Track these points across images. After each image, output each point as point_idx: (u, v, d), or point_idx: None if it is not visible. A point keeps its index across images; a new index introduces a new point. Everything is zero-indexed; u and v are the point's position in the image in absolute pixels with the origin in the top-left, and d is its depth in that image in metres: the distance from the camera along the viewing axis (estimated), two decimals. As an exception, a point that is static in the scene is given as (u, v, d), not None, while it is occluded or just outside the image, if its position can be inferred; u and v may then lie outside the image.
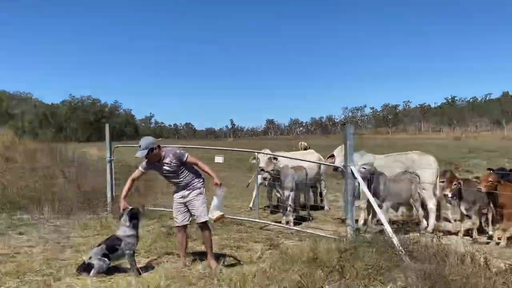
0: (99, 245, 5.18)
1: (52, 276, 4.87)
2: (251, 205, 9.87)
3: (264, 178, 7.78)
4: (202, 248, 5.78)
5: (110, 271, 5.07)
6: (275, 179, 7.88)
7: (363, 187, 6.88)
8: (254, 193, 9.84)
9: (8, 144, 25.41)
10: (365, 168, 7.31)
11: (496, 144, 42.93)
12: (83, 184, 9.93)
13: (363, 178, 7.03)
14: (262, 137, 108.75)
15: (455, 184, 7.33)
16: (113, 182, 8.82)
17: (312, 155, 9.85)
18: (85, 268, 4.96)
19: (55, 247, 6.20)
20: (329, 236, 7.04)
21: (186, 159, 5.33)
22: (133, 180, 5.43)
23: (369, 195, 6.82)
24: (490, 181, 6.85)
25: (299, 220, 8.42)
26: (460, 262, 5.19)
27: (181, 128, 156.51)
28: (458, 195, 7.36)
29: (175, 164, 5.29)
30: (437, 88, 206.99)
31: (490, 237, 7.30)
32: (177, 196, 5.47)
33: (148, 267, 5.19)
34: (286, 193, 8.03)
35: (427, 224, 7.78)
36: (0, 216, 8.15)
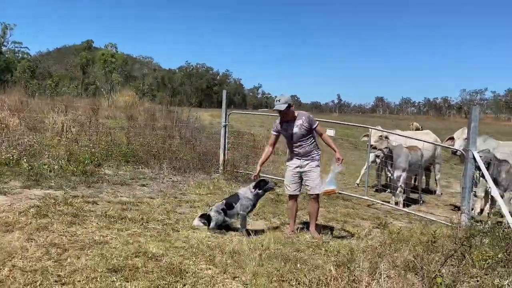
0: (222, 200, 5.55)
1: (171, 226, 5.27)
2: (358, 181, 9.66)
3: (377, 156, 7.51)
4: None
5: (226, 228, 5.37)
6: (388, 157, 7.56)
7: (485, 173, 6.29)
8: (363, 170, 9.62)
9: (130, 104, 28.00)
10: (481, 156, 6.63)
11: None
12: (197, 146, 10.56)
13: None
14: (369, 115, 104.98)
15: None
16: (226, 146, 9.21)
17: (428, 136, 9.24)
18: (206, 218, 5.33)
19: (173, 201, 6.69)
20: (440, 221, 6.64)
21: (316, 126, 5.41)
22: (272, 146, 5.61)
23: (491, 183, 6.23)
24: None
25: (409, 202, 8.05)
26: None
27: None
28: None
29: (305, 128, 5.31)
30: None
31: None
32: (293, 165, 5.50)
33: (257, 231, 5.37)
34: (398, 173, 7.67)
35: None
36: (126, 167, 9.01)
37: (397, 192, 7.76)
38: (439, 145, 8.56)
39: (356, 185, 9.59)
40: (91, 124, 12.06)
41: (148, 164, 9.25)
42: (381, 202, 7.63)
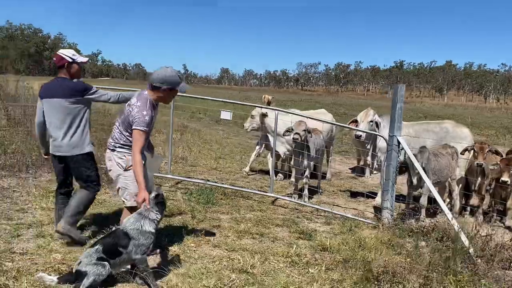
0: (96, 243, 3.37)
1: None
2: (246, 169, 8.31)
3: (295, 140, 6.13)
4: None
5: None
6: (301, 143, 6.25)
7: (415, 163, 5.48)
8: (253, 156, 8.31)
9: None
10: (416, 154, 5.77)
11: (445, 111, 43.90)
12: (35, 131, 7.80)
13: None
14: (216, 86, 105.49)
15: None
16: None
17: (326, 116, 8.31)
18: (74, 277, 3.20)
19: (6, 227, 4.34)
20: (359, 219, 5.70)
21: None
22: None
23: (422, 173, 5.45)
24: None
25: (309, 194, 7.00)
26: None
27: (130, 68, 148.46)
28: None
29: None
30: (387, 51, 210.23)
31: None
32: None
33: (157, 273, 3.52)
34: (307, 161, 6.48)
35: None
36: None
37: (304, 184, 6.61)
38: (349, 127, 7.50)
39: (245, 173, 8.24)
40: None
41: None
42: (288, 199, 6.38)
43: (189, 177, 7.22)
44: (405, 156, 5.66)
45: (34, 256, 3.71)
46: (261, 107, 8.16)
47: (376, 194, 7.02)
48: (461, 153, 6.38)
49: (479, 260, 4.33)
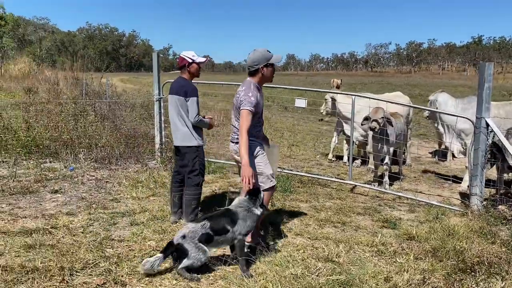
0: (204, 219, 3.46)
1: (111, 277, 3.32)
2: (330, 156, 8.30)
3: (372, 129, 5.98)
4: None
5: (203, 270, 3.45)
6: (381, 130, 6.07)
7: (506, 144, 5.10)
8: (333, 144, 8.27)
9: (27, 72, 23.85)
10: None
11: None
12: (121, 125, 8.31)
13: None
14: (282, 73, 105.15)
15: None
16: (162, 124, 7.14)
17: (403, 99, 7.98)
18: (175, 251, 3.34)
19: (103, 216, 4.69)
20: (447, 206, 5.44)
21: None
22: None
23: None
24: None
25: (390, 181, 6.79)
26: None
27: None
28: None
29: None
30: (464, 26, 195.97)
31: None
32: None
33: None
34: (386, 147, 6.29)
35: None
36: (27, 164, 6.67)
37: (385, 170, 6.41)
38: (418, 107, 7.19)
39: (328, 160, 8.25)
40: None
41: (59, 156, 6.97)
42: (368, 187, 6.24)
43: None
44: (493, 138, 5.30)
45: (131, 243, 3.97)
46: (332, 92, 8.06)
47: (461, 179, 6.66)
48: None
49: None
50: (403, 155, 7.63)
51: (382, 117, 5.95)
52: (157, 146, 7.13)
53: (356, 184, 6.31)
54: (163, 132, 7.11)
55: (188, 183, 4.49)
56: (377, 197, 5.99)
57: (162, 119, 7.07)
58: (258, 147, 3.91)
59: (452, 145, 6.92)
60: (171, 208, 4.67)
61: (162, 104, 7.04)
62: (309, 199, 5.64)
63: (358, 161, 8.07)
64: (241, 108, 3.67)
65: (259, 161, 3.85)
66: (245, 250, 3.55)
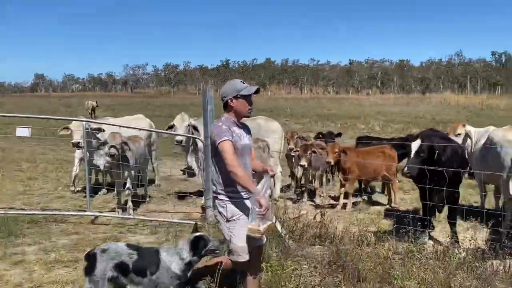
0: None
1: None
2: (72, 188, 7.59)
3: (112, 155, 5.67)
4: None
5: None
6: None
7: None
8: (73, 174, 7.62)
9: None
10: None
11: (269, 104, 47.41)
12: None
13: None
14: (31, 95, 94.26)
15: (309, 153, 7.02)
16: None
17: (143, 121, 8.01)
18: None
19: None
20: (185, 222, 5.66)
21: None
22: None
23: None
24: (336, 152, 6.84)
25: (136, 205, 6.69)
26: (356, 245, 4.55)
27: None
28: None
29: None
30: (213, 50, 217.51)
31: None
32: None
33: None
34: (126, 172, 6.12)
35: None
36: None
37: (127, 192, 6.22)
38: (168, 133, 7.30)
39: (71, 192, 7.55)
40: None
41: None
42: (110, 215, 5.94)
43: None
44: None
45: None
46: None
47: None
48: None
49: (290, 241, 4.69)
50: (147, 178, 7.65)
51: (120, 142, 5.81)
52: None
53: (97, 214, 5.95)
54: None
55: None
56: (120, 224, 5.78)
57: None
58: (238, 208, 3.18)
59: (192, 162, 7.32)
60: None
61: None
62: (40, 241, 4.99)
63: (104, 190, 7.69)
64: (217, 143, 3.07)
65: (232, 226, 3.17)
66: None
